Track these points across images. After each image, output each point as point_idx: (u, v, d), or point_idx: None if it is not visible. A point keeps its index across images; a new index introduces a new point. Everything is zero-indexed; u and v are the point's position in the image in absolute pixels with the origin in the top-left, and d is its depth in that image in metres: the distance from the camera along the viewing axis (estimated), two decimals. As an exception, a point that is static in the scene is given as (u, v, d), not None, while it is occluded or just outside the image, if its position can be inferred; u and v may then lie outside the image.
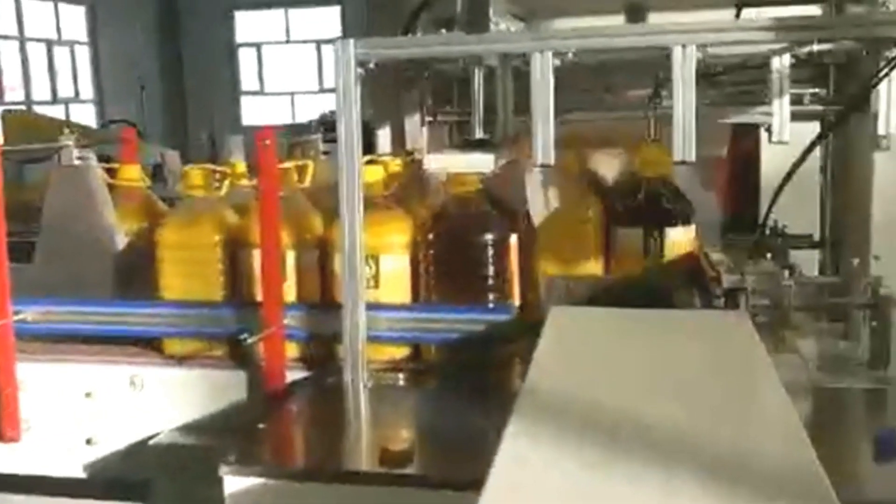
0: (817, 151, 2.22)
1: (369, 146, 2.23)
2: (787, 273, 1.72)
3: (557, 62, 1.59)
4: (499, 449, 1.08)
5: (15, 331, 1.94)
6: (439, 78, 2.24)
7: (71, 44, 12.41)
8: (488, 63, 1.85)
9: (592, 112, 2.00)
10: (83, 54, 12.61)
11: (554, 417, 1.19)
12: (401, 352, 1.86)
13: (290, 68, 13.21)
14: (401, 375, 1.82)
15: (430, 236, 1.83)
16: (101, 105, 12.66)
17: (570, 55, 1.59)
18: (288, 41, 13.39)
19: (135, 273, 2.08)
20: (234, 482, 1.40)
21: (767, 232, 2.30)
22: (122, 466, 1.93)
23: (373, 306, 1.77)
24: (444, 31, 1.87)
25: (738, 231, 2.43)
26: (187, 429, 1.87)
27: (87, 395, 1.94)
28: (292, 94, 13.15)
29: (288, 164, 1.94)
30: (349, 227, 1.69)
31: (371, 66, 1.65)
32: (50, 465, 1.96)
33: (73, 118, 11.63)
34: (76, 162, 2.14)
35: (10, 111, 5.52)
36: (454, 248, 1.82)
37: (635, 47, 1.59)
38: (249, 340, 1.71)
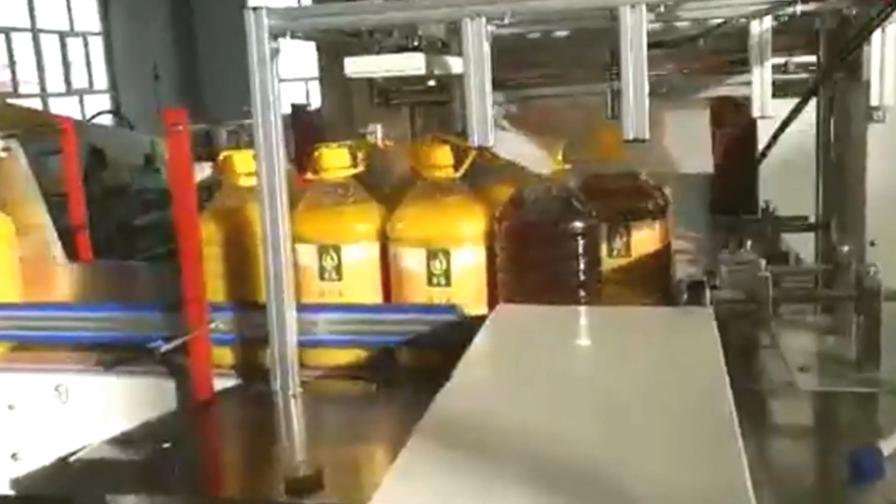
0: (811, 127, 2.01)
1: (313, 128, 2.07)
2: (763, 262, 1.53)
3: (492, 28, 1.40)
4: (393, 464, 0.94)
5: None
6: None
7: (84, 34, 12.37)
8: (431, 35, 1.66)
9: (542, 88, 1.80)
10: (97, 45, 12.58)
11: (458, 431, 1.04)
12: (346, 356, 1.68)
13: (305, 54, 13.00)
14: (361, 384, 1.63)
15: (505, 225, 1.57)
16: (116, 95, 12.63)
17: (506, 20, 1.40)
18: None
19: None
20: (124, 512, 1.25)
21: (758, 214, 2.11)
22: (50, 482, 1.80)
23: (304, 307, 1.61)
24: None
25: (728, 212, 2.24)
26: (113, 442, 1.73)
27: (10, 407, 1.80)
28: (306, 80, 12.97)
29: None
30: (270, 219, 1.52)
31: (287, 38, 1.47)
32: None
33: (88, 108, 11.68)
34: (2, 154, 2.00)
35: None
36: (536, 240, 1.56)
37: (577, 8, 1.39)
38: (164, 348, 1.56)
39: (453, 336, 1.54)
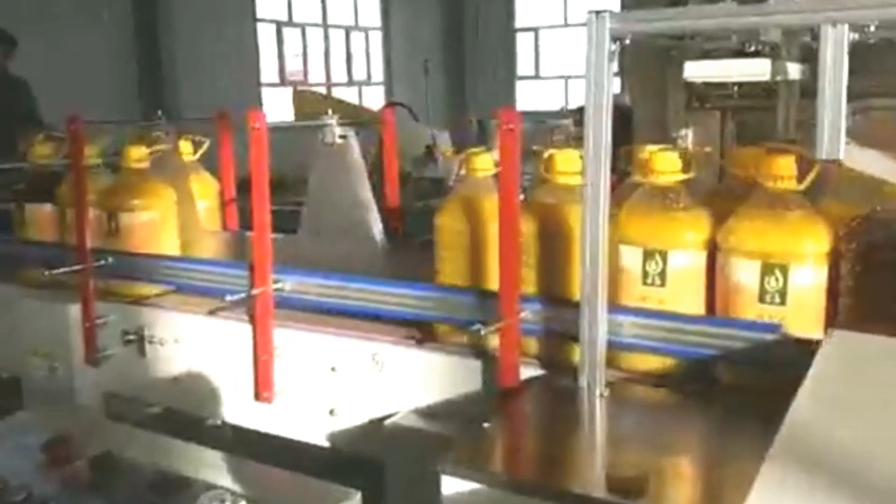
0: None
1: (627, 133, 2.07)
2: None
3: (854, 36, 1.32)
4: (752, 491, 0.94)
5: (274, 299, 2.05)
6: (711, 57, 2.01)
7: (366, 30, 13.33)
8: (768, 40, 1.60)
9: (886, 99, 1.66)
10: (376, 39, 13.50)
11: (811, 462, 1.00)
12: (655, 362, 1.65)
13: (565, 52, 13.13)
14: (663, 391, 1.62)
15: (854, 245, 1.49)
16: (390, 87, 13.47)
17: (871, 28, 1.32)
18: (566, 25, 13.32)
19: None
20: (451, 482, 1.34)
21: None
22: (361, 440, 1.97)
23: (618, 309, 1.62)
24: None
25: None
26: (421, 413, 1.86)
27: (333, 368, 2.00)
28: (566, 78, 13.06)
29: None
30: (592, 219, 1.55)
31: (626, 42, 1.49)
32: (296, 430, 2.06)
33: (364, 99, 12.59)
34: (338, 140, 2.21)
35: (300, 91, 6.02)
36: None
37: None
38: (483, 331, 1.65)
39: (776, 357, 1.49)
